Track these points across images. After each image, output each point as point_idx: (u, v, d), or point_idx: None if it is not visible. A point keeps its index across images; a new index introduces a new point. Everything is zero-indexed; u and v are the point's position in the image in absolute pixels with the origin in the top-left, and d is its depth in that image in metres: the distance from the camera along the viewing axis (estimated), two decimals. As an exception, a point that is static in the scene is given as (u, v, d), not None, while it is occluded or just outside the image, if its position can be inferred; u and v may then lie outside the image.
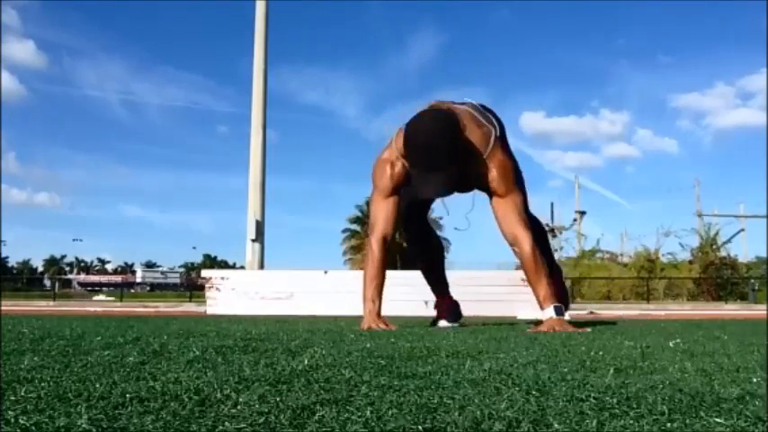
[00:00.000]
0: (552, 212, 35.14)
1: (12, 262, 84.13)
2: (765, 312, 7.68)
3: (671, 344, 1.96)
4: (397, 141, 3.05)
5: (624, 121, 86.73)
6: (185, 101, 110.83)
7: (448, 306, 3.70)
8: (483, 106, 3.25)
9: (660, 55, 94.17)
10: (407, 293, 4.76)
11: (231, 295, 6.73)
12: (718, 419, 0.79)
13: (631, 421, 0.78)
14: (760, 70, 68.29)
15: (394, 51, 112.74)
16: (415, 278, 3.87)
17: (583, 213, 38.31)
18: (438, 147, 2.84)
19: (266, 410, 0.82)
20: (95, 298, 31.28)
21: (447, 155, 2.85)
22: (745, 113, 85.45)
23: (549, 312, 2.89)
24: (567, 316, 2.98)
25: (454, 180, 2.93)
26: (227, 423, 0.75)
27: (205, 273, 7.29)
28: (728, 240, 31.08)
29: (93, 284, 72.64)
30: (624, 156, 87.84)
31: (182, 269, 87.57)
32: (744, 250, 34.68)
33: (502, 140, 3.13)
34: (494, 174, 3.01)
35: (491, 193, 3.07)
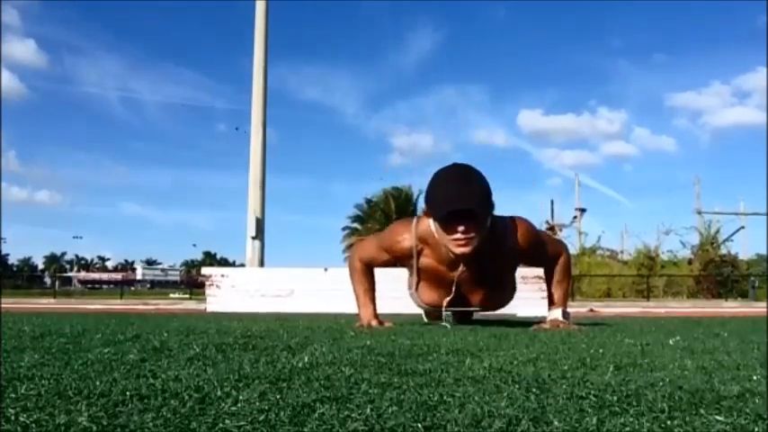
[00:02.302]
0: (552, 210, 35.12)
1: (12, 259, 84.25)
2: (765, 310, 7.68)
3: (671, 341, 1.96)
4: (418, 224, 2.90)
5: (622, 119, 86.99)
6: (184, 98, 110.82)
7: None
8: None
9: (656, 54, 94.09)
10: (405, 291, 4.75)
11: (231, 293, 6.73)
12: (718, 417, 0.79)
13: (631, 419, 0.78)
14: (755, 69, 68.51)
15: (392, 49, 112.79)
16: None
17: (583, 211, 38.28)
18: (478, 180, 2.76)
19: (266, 408, 0.82)
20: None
21: (486, 187, 2.77)
22: (740, 112, 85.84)
23: (556, 313, 2.90)
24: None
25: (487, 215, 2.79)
26: (227, 420, 0.75)
27: (205, 270, 7.30)
28: (729, 238, 31.08)
29: (93, 282, 72.73)
30: (622, 154, 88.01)
31: (182, 267, 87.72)
32: (744, 248, 34.73)
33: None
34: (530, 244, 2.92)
35: (527, 255, 2.99)
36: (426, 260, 2.91)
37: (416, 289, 3.05)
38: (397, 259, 3.03)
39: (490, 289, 3.01)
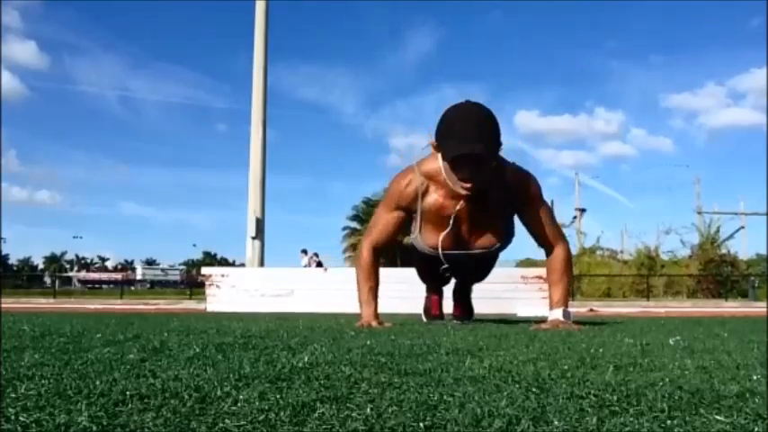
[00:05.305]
0: (552, 209, 35.16)
1: (12, 259, 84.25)
2: (765, 310, 7.69)
3: (671, 341, 1.96)
4: (421, 165, 2.94)
5: (619, 120, 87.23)
6: (183, 98, 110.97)
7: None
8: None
9: (652, 55, 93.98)
10: (405, 291, 4.77)
11: (231, 292, 6.73)
12: (717, 416, 0.79)
13: (631, 418, 0.78)
14: (749, 70, 68.84)
15: (391, 48, 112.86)
16: (413, 276, 3.87)
17: (583, 211, 38.38)
18: (491, 124, 2.76)
19: (266, 408, 0.82)
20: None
21: (497, 130, 2.77)
22: (736, 113, 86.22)
23: (556, 313, 2.89)
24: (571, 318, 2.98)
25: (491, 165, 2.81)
26: (227, 420, 0.75)
27: (205, 270, 7.30)
28: (729, 237, 31.10)
29: (93, 282, 72.69)
30: (619, 154, 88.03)
31: (182, 266, 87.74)
32: (744, 248, 34.77)
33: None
34: (526, 185, 2.97)
35: (523, 202, 2.99)
36: (432, 197, 2.94)
37: (420, 231, 3.03)
38: (408, 209, 3.02)
39: (488, 229, 3.00)
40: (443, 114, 2.82)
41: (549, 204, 3.14)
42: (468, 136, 2.70)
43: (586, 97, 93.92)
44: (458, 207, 2.90)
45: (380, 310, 3.05)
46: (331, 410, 0.81)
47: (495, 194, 2.91)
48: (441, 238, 2.98)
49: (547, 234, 3.02)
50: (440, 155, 2.83)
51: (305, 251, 18.94)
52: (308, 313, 5.12)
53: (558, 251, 3.01)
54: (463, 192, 2.80)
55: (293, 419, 0.76)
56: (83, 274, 79.16)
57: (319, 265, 17.49)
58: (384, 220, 3.08)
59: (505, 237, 3.09)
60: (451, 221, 2.94)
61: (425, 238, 3.04)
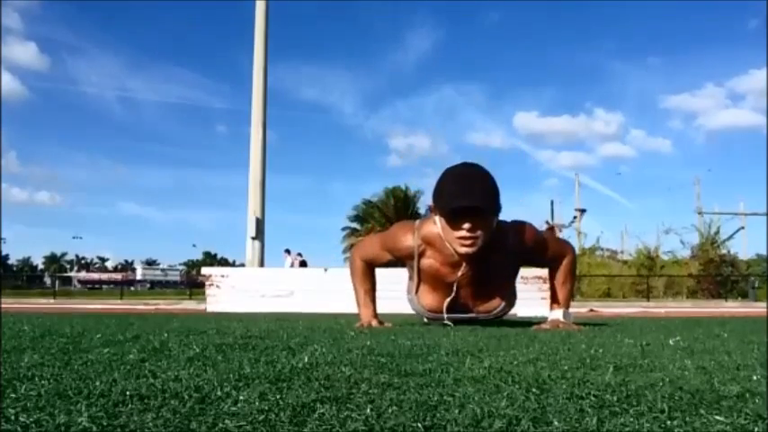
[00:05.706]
0: (552, 210, 35.28)
1: (12, 260, 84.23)
2: (765, 310, 7.69)
3: (671, 342, 1.96)
4: (421, 227, 2.90)
5: (618, 121, 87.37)
6: (183, 98, 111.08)
7: None
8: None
9: (650, 56, 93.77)
10: (405, 291, 4.75)
11: (231, 293, 6.74)
12: (718, 417, 0.79)
13: (631, 419, 0.78)
14: (748, 71, 69.04)
15: (391, 48, 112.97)
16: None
17: (583, 211, 38.40)
18: (489, 181, 2.75)
19: (266, 408, 0.82)
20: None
21: (494, 188, 2.75)
22: (735, 114, 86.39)
23: (556, 314, 2.90)
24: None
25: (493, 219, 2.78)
26: (227, 421, 0.75)
27: (205, 270, 7.30)
28: (729, 238, 31.08)
29: (93, 282, 72.70)
30: (619, 155, 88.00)
31: (182, 267, 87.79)
32: (744, 248, 34.78)
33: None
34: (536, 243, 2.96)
35: (526, 253, 2.97)
36: (428, 261, 2.88)
37: (416, 292, 3.00)
38: (399, 259, 3.03)
39: (491, 294, 2.95)
40: (440, 175, 2.79)
41: (544, 227, 3.16)
42: (466, 191, 2.66)
43: (585, 98, 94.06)
44: (460, 273, 2.84)
45: (380, 310, 3.07)
46: (331, 411, 0.81)
47: (497, 258, 2.84)
48: (436, 300, 2.94)
49: (555, 257, 3.01)
50: (437, 218, 2.77)
51: (288, 251, 18.82)
52: (308, 314, 5.12)
53: (565, 260, 3.01)
54: (462, 250, 2.71)
55: (293, 420, 0.76)
56: (83, 275, 79.22)
57: (303, 264, 17.37)
58: (375, 252, 3.10)
59: (510, 299, 3.05)
60: (455, 288, 2.88)
61: (422, 299, 3.00)
